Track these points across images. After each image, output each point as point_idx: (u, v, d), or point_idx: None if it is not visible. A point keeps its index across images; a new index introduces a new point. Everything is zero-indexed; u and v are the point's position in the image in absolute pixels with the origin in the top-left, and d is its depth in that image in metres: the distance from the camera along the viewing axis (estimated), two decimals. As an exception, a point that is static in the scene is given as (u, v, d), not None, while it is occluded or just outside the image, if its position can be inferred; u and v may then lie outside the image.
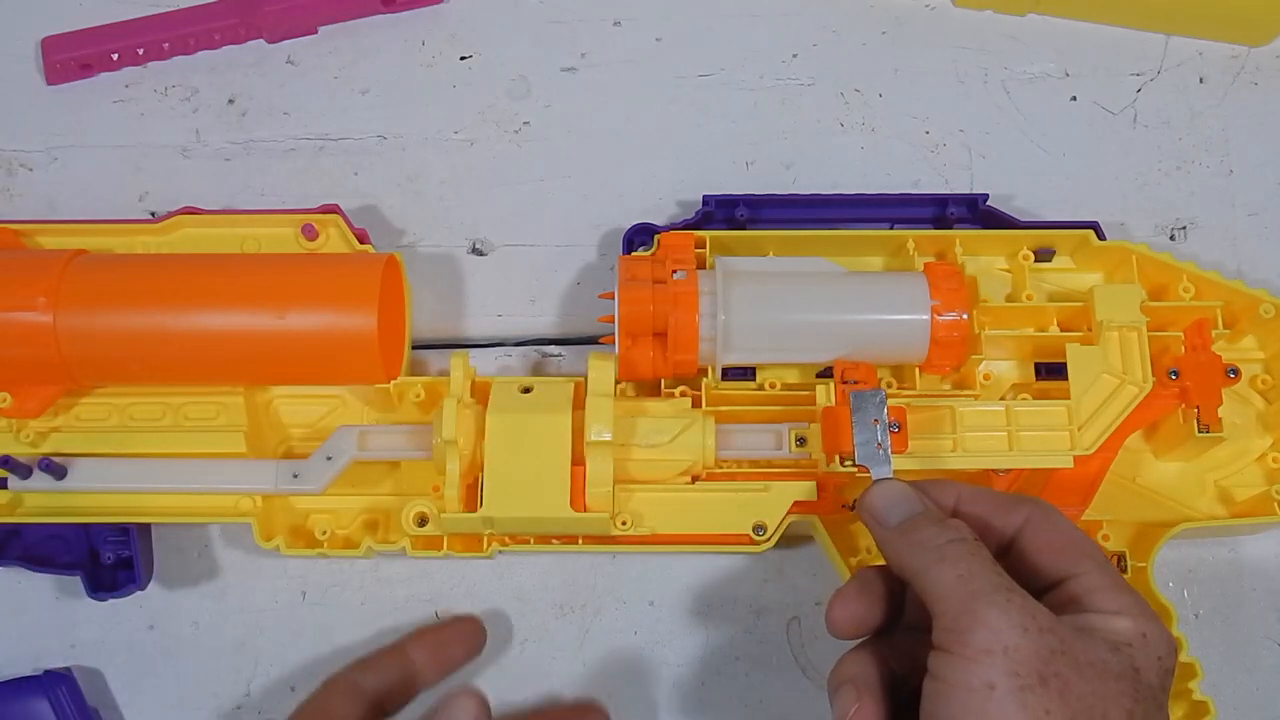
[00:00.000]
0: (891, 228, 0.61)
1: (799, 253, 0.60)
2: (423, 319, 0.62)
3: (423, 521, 0.54)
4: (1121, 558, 0.56)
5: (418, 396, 0.57)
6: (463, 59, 0.66)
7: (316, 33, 0.66)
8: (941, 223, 0.61)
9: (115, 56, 0.64)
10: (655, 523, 0.55)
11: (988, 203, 0.60)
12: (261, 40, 0.65)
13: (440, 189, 0.64)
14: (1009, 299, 0.60)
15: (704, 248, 0.59)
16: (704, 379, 0.57)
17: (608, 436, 0.52)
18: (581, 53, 0.66)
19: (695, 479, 0.56)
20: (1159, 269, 0.59)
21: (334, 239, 0.59)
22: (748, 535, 0.55)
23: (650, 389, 0.58)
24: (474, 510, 0.53)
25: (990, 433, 0.55)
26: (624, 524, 0.54)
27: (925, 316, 0.56)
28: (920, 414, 0.55)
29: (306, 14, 0.65)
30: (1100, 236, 0.59)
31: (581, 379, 0.55)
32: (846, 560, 0.56)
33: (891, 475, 0.49)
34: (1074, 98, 0.66)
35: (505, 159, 0.65)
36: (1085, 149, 0.65)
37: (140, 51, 0.64)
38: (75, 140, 0.65)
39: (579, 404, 0.54)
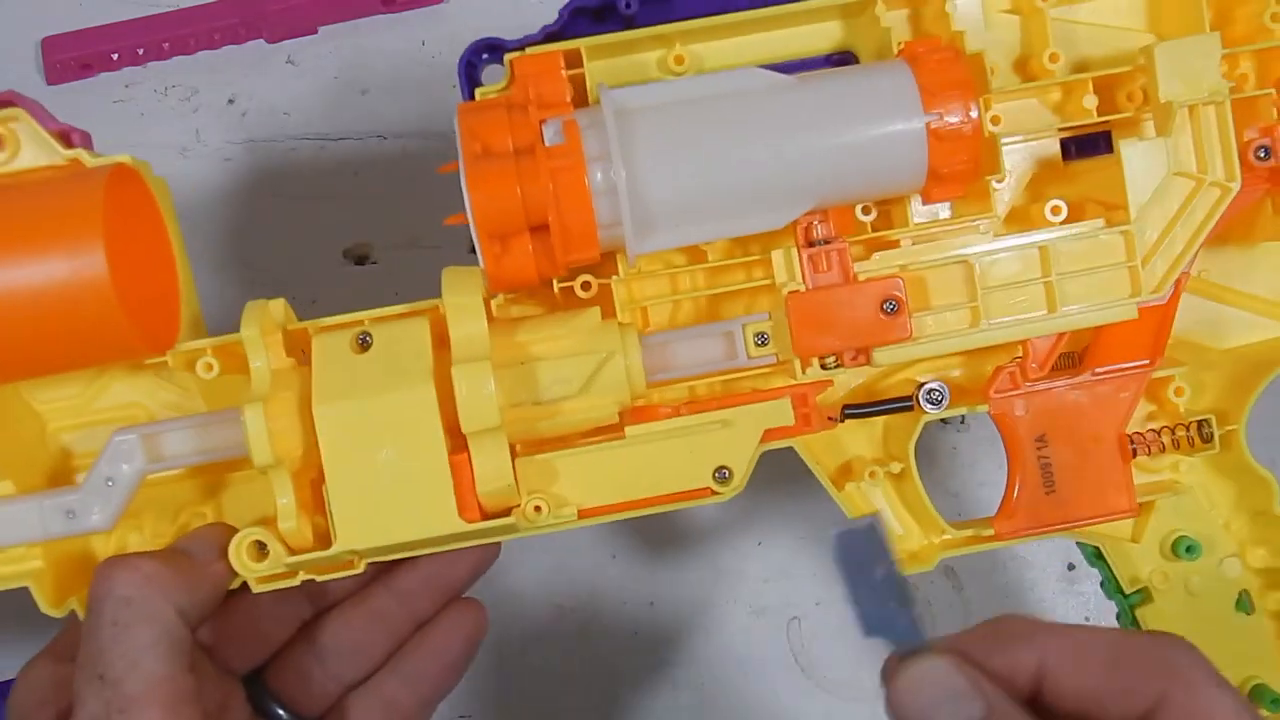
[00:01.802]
0: None
1: (718, 58, 0.45)
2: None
3: (263, 549, 0.41)
4: (1204, 424, 0.44)
5: (210, 370, 0.42)
6: (463, 59, 0.66)
7: (316, 33, 0.65)
8: None
9: (115, 56, 0.64)
10: (582, 495, 0.43)
11: None
12: (261, 40, 0.65)
13: (440, 189, 0.64)
14: (1020, 67, 0.45)
15: (579, 67, 0.43)
16: (613, 278, 0.44)
17: (493, 421, 0.39)
18: (582, 52, 0.66)
19: (624, 419, 0.43)
20: None
21: (26, 146, 0.43)
22: (708, 487, 0.43)
23: (540, 290, 0.45)
24: (326, 544, 0.40)
25: (1021, 288, 0.42)
26: (538, 510, 0.41)
27: (917, 124, 0.41)
28: (922, 276, 0.43)
29: (306, 14, 0.65)
30: None
31: (439, 304, 0.42)
32: (843, 487, 0.46)
33: (925, 644, 0.34)
34: (1074, 98, 0.66)
35: (505, 159, 0.65)
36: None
37: (140, 51, 0.64)
38: (75, 140, 0.65)
39: (442, 344, 0.41)
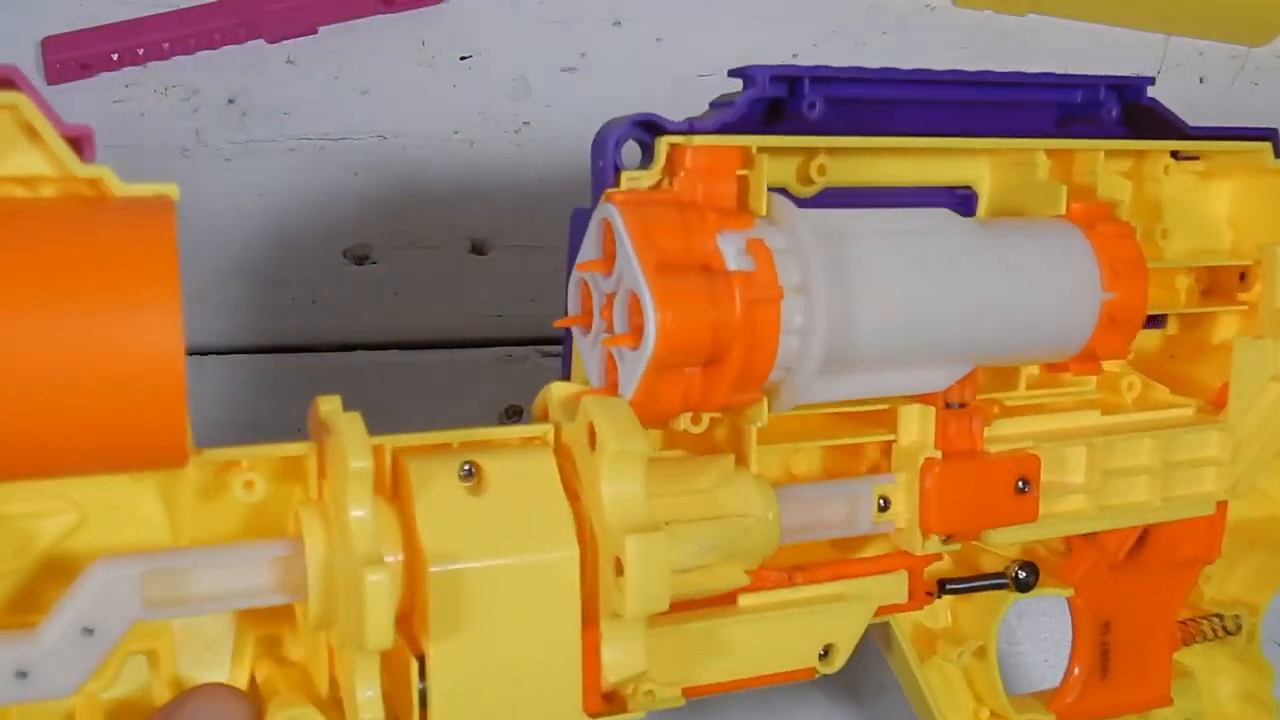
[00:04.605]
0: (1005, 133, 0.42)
1: (849, 173, 0.40)
2: (423, 319, 0.62)
3: None
4: (1236, 619, 0.43)
5: (251, 489, 0.32)
6: (463, 59, 0.66)
7: (316, 33, 0.65)
8: (1066, 121, 0.43)
9: (115, 56, 0.64)
10: (685, 673, 0.36)
11: (1149, 98, 0.44)
12: (261, 40, 0.65)
13: (440, 189, 0.64)
14: None
15: (749, 168, 0.37)
16: (755, 424, 0.37)
17: (663, 605, 0.32)
18: (581, 53, 0.66)
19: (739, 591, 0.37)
20: None
21: (15, 147, 0.29)
22: (811, 667, 0.38)
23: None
24: None
25: (1136, 475, 0.40)
26: (649, 695, 0.34)
27: (1094, 300, 0.39)
28: (1051, 452, 0.40)
29: (306, 14, 0.64)
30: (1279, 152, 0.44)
31: (547, 432, 0.35)
32: (924, 672, 0.42)
33: None
34: (1074, 98, 0.66)
35: (505, 159, 0.64)
36: (1085, 149, 0.65)
37: (140, 51, 0.64)
38: (75, 140, 0.64)
39: (567, 483, 0.33)
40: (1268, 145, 0.44)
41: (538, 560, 0.31)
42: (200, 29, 0.64)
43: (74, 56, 0.64)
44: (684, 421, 0.37)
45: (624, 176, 0.36)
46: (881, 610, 0.39)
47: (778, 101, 0.38)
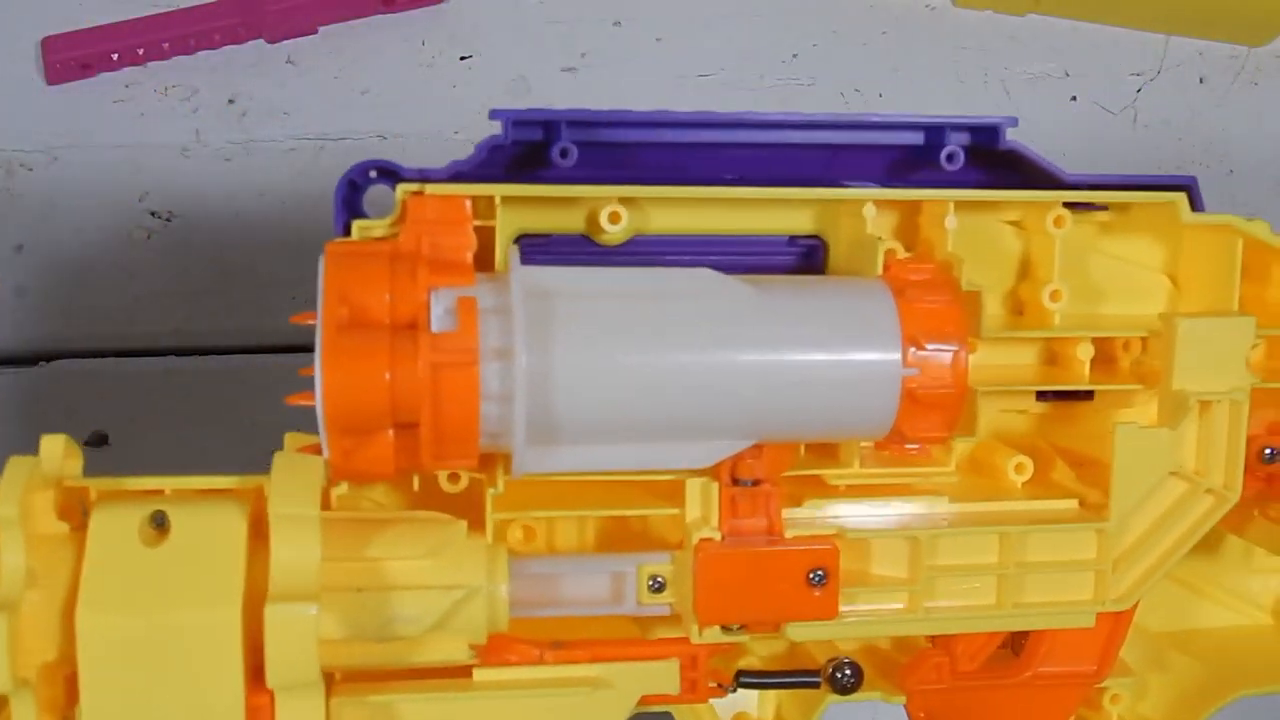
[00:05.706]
0: (833, 183, 0.38)
1: (667, 219, 0.37)
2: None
3: None
4: None
5: None
6: (463, 59, 0.66)
7: (316, 33, 0.65)
8: (920, 167, 0.38)
9: (115, 56, 0.64)
10: None
11: (1011, 141, 0.37)
12: (261, 40, 0.65)
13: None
14: (1008, 297, 0.39)
15: (491, 218, 0.35)
16: (490, 491, 0.35)
17: (311, 676, 0.30)
18: (581, 53, 0.66)
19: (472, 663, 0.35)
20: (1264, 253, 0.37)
21: None
22: None
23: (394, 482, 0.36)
24: None
25: (973, 574, 0.36)
26: None
27: (892, 379, 0.34)
28: (858, 540, 0.35)
29: (306, 14, 0.64)
30: (1194, 204, 0.37)
31: (262, 483, 0.33)
32: None
33: None
34: (1074, 98, 0.65)
35: (505, 159, 0.64)
36: (1085, 149, 0.64)
37: (140, 51, 0.64)
38: (75, 140, 0.63)
39: (260, 534, 0.32)
40: (1181, 197, 0.37)
41: (195, 619, 0.30)
42: (200, 29, 0.64)
43: (74, 56, 0.64)
44: (442, 479, 0.36)
45: (356, 226, 0.35)
46: (650, 698, 0.36)
47: (532, 153, 0.36)
